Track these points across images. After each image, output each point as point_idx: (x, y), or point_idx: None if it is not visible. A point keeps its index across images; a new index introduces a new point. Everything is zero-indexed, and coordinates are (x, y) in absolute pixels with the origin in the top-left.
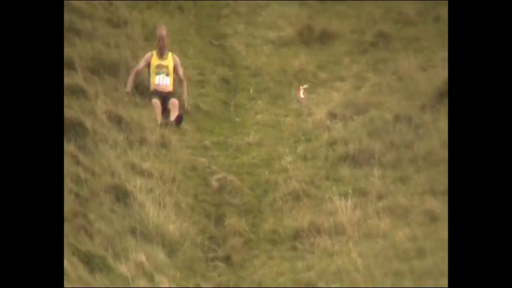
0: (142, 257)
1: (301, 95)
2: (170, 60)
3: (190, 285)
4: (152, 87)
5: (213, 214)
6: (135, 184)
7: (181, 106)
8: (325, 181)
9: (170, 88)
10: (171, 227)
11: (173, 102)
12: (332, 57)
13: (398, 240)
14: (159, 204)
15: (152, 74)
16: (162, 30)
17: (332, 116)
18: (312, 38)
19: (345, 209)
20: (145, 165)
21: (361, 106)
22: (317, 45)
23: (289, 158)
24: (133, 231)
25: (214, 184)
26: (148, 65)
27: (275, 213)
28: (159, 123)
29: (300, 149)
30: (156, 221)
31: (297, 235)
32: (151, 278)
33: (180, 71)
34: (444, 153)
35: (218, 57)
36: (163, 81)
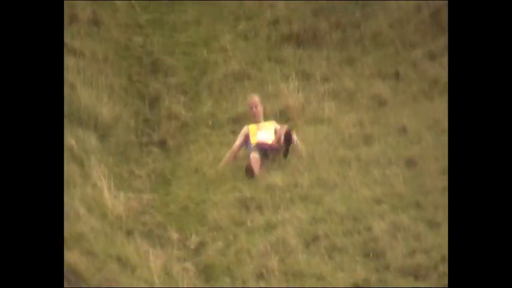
0: (72, 141)
1: None
2: (271, 123)
3: (123, 172)
4: (254, 143)
5: (148, 96)
6: (65, 64)
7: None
8: (267, 62)
9: (272, 141)
10: (103, 109)
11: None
12: None
13: (344, 125)
14: (91, 85)
15: (253, 136)
16: (253, 97)
17: None
18: None
19: (287, 92)
20: (76, 44)
21: None
22: None
23: (228, 37)
24: None
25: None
26: (246, 140)
27: (214, 96)
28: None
29: (240, 27)
30: (87, 103)
31: (236, 119)
32: (81, 163)
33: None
34: (392, 34)
35: None
36: (265, 136)
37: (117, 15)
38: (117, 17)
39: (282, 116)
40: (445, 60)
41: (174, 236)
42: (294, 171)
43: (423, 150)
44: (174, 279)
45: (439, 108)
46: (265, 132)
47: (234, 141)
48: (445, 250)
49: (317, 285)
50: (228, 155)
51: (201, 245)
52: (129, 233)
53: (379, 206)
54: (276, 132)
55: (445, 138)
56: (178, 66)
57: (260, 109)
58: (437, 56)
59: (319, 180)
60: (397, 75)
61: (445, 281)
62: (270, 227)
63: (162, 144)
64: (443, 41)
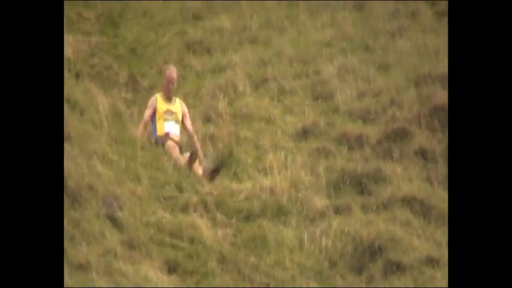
0: None
1: None
2: (178, 106)
3: (71, 14)
4: (160, 133)
5: None
6: None
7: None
8: None
9: (179, 139)
10: None
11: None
12: None
13: None
14: None
15: (160, 120)
16: (173, 72)
17: None
18: None
19: None
20: None
21: None
22: None
23: None
24: None
25: None
26: (154, 111)
27: None
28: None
29: None
30: None
31: None
32: None
33: (189, 123)
34: None
35: None
36: (173, 130)
37: None
38: None
39: None
40: None
41: (123, 78)
42: (243, 13)
43: None
44: (122, 120)
45: None
46: (173, 126)
47: None
48: (393, 93)
49: (266, 127)
50: (141, 127)
51: (150, 88)
52: (77, 75)
53: (328, 48)
54: (182, 122)
55: None
56: None
57: (175, 87)
58: None
59: (268, 23)
60: None
61: (393, 125)
62: (218, 69)
63: None
64: None
